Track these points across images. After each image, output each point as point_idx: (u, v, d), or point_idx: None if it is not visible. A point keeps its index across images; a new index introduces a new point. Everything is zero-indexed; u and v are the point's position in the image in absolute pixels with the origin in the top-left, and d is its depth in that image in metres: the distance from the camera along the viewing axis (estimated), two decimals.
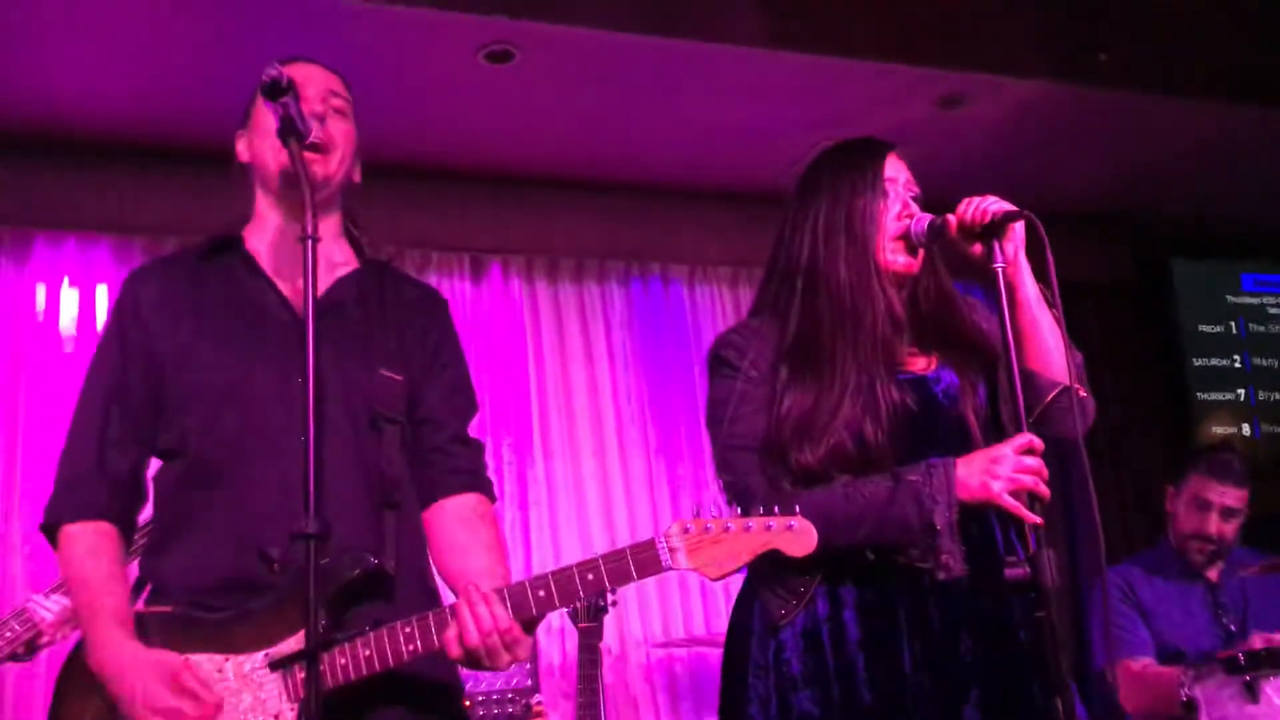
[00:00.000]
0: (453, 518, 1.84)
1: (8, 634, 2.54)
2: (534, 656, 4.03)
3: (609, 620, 3.85)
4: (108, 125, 4.07)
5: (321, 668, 1.60)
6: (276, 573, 1.66)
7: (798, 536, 1.64)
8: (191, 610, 1.73)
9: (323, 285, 1.84)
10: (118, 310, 1.88)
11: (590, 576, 1.60)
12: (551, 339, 4.93)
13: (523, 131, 4.42)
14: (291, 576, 1.65)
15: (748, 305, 5.32)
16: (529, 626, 1.64)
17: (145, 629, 1.73)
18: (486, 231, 4.81)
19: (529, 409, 4.77)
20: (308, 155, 1.70)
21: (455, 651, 1.61)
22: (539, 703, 3.91)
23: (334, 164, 1.86)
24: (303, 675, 1.63)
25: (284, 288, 1.85)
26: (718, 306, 5.25)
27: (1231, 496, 3.39)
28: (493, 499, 1.91)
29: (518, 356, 4.82)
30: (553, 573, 1.62)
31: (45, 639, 2.61)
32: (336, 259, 1.92)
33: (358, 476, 1.75)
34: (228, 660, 1.68)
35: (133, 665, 1.67)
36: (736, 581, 4.76)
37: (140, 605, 1.79)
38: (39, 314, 4.21)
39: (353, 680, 1.62)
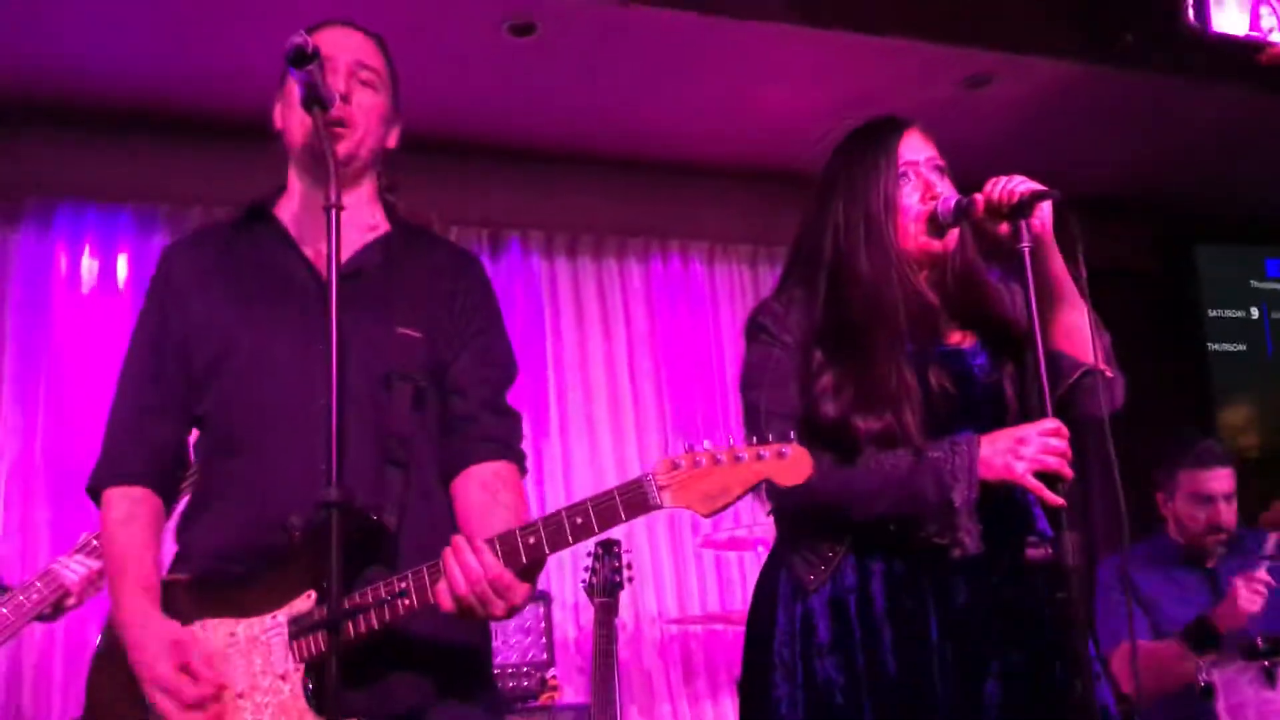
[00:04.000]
0: (476, 483, 1.83)
1: (34, 596, 2.56)
2: (549, 631, 4.05)
3: (624, 596, 3.85)
4: (131, 94, 4.07)
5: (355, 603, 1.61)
6: (297, 542, 1.66)
7: (791, 464, 1.58)
8: (208, 576, 1.75)
9: (350, 250, 1.84)
10: (154, 283, 1.92)
11: (579, 520, 1.58)
12: (569, 315, 4.93)
13: (544, 105, 4.41)
14: (302, 538, 1.66)
15: (767, 285, 5.37)
16: (526, 575, 1.62)
17: (168, 597, 1.75)
18: (506, 206, 4.81)
19: (545, 385, 4.77)
20: (331, 129, 1.70)
21: (447, 603, 1.59)
22: (554, 676, 3.93)
23: (356, 141, 1.84)
24: (309, 637, 1.65)
25: (311, 255, 1.86)
26: (737, 285, 5.24)
27: (1225, 479, 3.37)
28: (523, 470, 1.89)
29: (535, 332, 4.82)
30: (542, 519, 1.60)
31: (72, 600, 2.63)
32: (367, 224, 1.91)
33: (368, 435, 1.75)
34: (239, 624, 1.70)
35: (146, 636, 1.69)
36: (750, 558, 4.79)
37: (165, 574, 1.81)
38: (61, 282, 4.23)
39: (354, 641, 1.62)
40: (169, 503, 1.88)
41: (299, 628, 1.66)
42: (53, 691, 3.85)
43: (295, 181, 1.91)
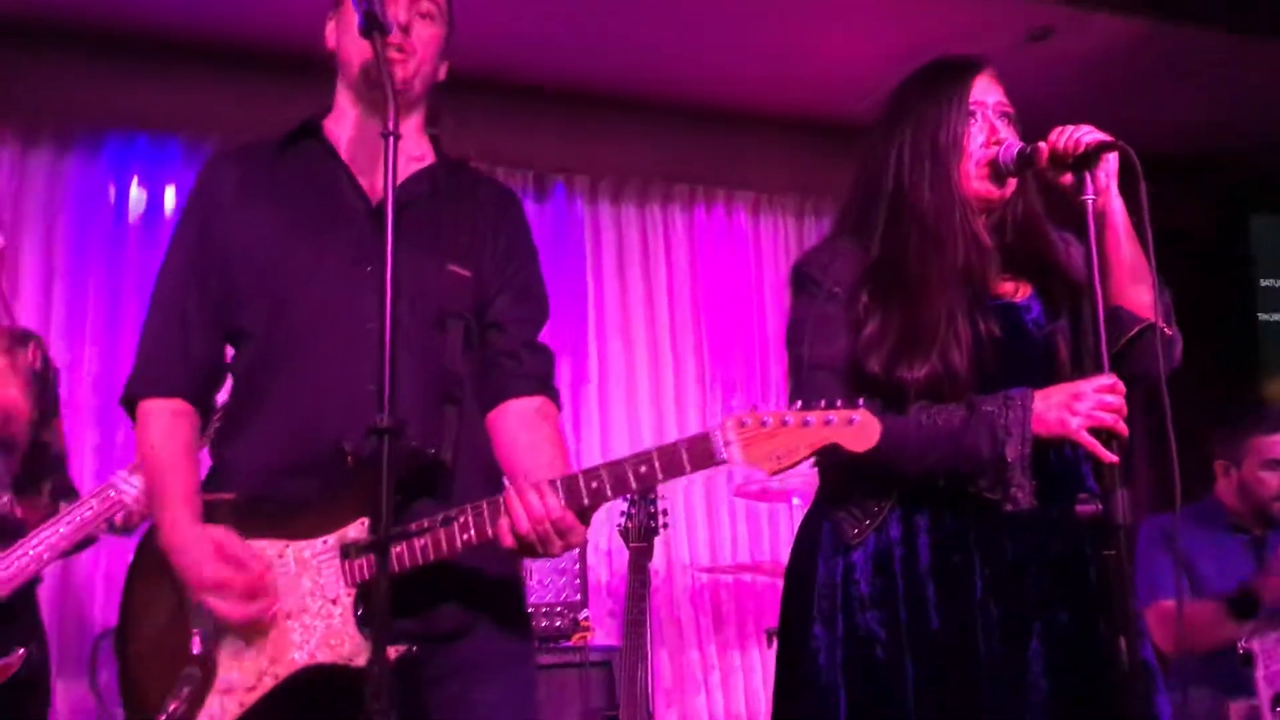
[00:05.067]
0: (516, 418, 1.83)
1: (87, 512, 2.59)
2: (583, 573, 4.08)
3: (657, 542, 3.87)
4: (181, 23, 4.07)
5: (401, 543, 1.63)
6: (351, 465, 1.67)
7: (859, 431, 1.58)
8: (253, 496, 1.75)
9: (398, 178, 1.83)
10: (195, 193, 1.90)
11: (643, 469, 1.59)
12: (611, 261, 4.92)
13: (592, 48, 4.37)
14: (355, 466, 1.67)
15: (812, 237, 5.34)
16: (583, 516, 1.63)
17: (211, 516, 1.76)
18: (552, 149, 4.79)
19: (585, 331, 4.77)
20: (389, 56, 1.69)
21: (508, 540, 1.61)
22: (586, 618, 3.97)
23: (411, 71, 1.83)
24: (360, 562, 1.66)
25: (360, 178, 1.85)
26: (781, 236, 5.20)
27: None
28: (558, 406, 1.90)
29: (577, 277, 4.81)
30: (606, 464, 1.61)
31: (137, 517, 2.65)
32: (414, 153, 1.90)
33: (420, 371, 1.75)
34: (288, 546, 1.71)
35: (188, 542, 1.71)
36: (784, 510, 4.80)
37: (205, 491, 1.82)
38: (109, 211, 4.26)
39: (409, 569, 1.64)
40: (205, 417, 1.88)
41: (351, 552, 1.67)
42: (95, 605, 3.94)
43: (346, 106, 1.90)
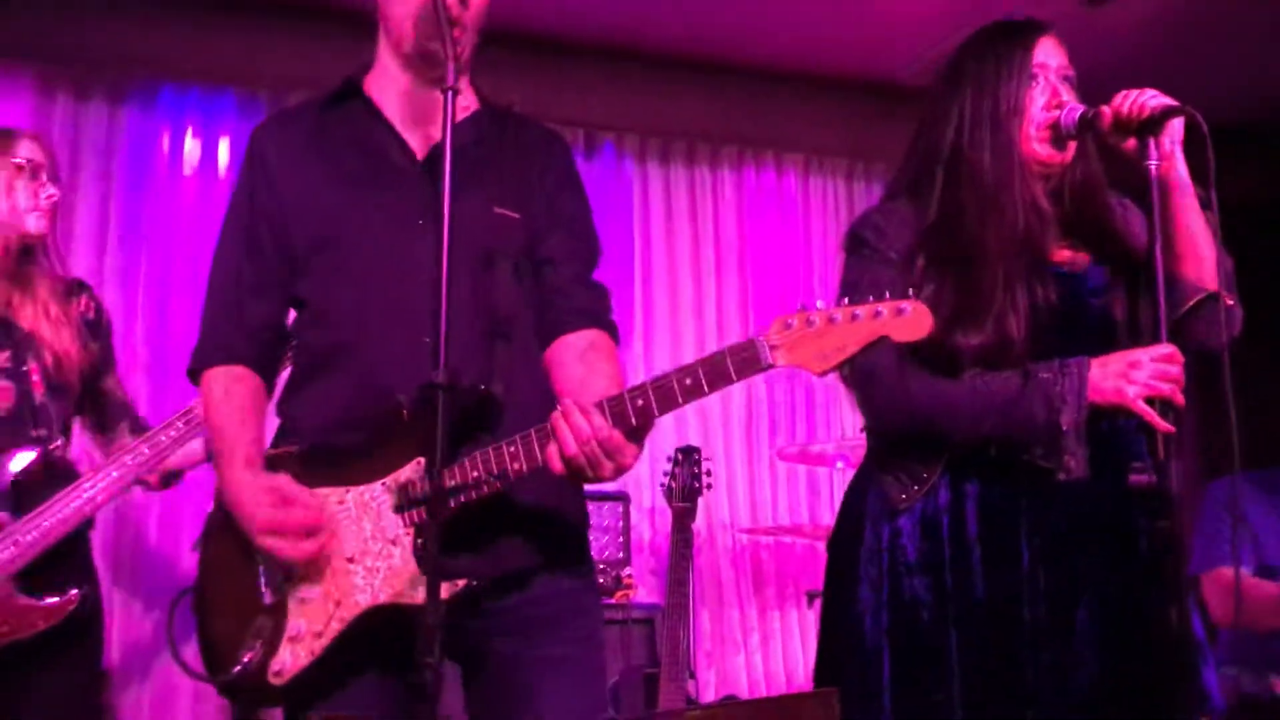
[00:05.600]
0: (572, 351, 1.83)
1: (171, 432, 2.61)
2: (626, 531, 4.10)
3: (700, 502, 3.88)
4: None
5: (454, 481, 1.64)
6: (406, 419, 1.69)
7: (910, 321, 1.52)
8: (315, 448, 1.78)
9: (442, 128, 1.84)
10: (246, 163, 1.92)
11: (688, 381, 1.56)
12: (659, 222, 4.90)
13: (644, 6, 4.32)
14: (411, 419, 1.69)
15: (863, 200, 5.28)
16: (633, 436, 1.62)
17: (274, 469, 1.79)
18: (602, 107, 4.76)
19: (632, 291, 4.76)
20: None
21: (557, 465, 1.60)
22: (629, 575, 4.00)
23: (466, 44, 1.82)
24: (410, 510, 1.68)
25: (405, 133, 1.85)
26: (830, 199, 5.15)
27: None
28: (616, 339, 1.90)
29: (624, 237, 4.80)
30: (651, 380, 1.59)
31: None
32: (459, 102, 1.89)
33: (470, 310, 1.76)
34: (348, 491, 1.73)
35: (245, 493, 1.74)
36: (824, 474, 4.78)
37: (270, 446, 1.85)
38: (164, 162, 4.30)
39: (464, 505, 1.65)
40: (269, 381, 1.91)
41: (406, 496, 1.69)
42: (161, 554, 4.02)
43: (390, 62, 1.89)
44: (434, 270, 1.50)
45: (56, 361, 2.64)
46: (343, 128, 1.88)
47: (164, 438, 2.61)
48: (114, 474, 2.58)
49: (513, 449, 1.64)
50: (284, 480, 1.73)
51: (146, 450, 2.60)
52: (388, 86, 1.88)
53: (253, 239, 1.87)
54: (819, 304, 1.56)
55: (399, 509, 1.70)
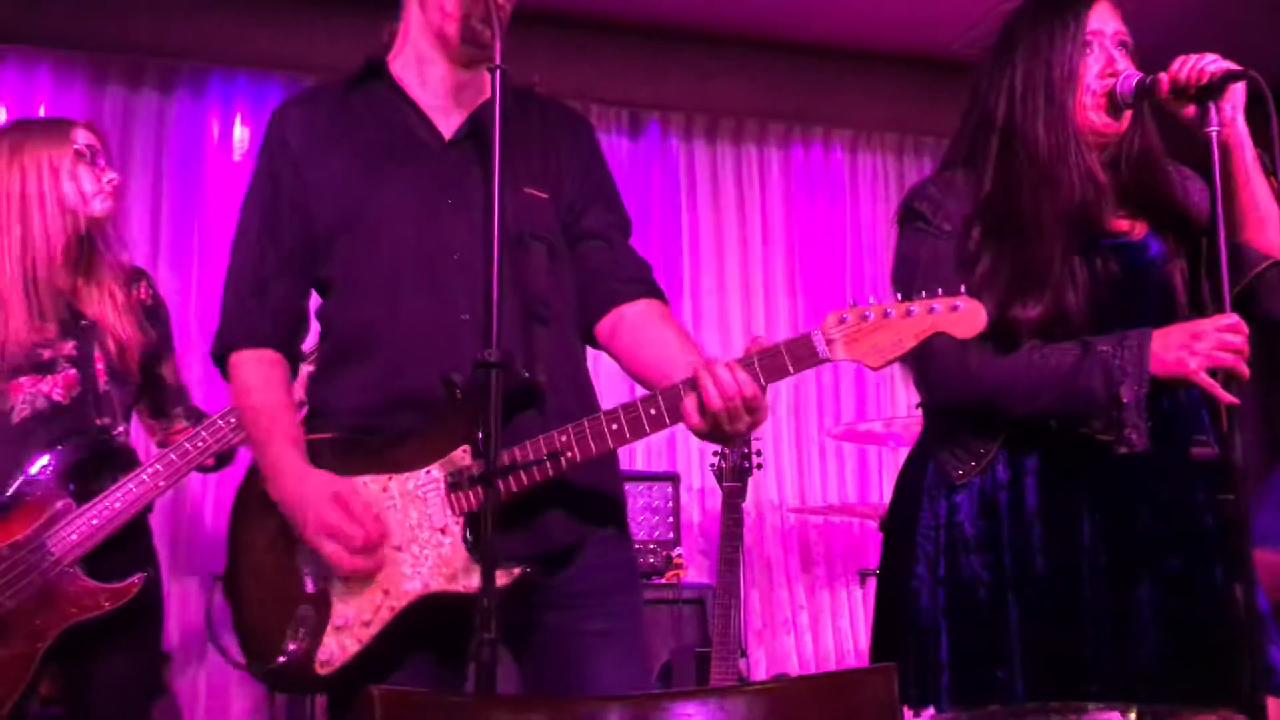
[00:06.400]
0: (635, 320, 1.83)
1: (231, 419, 2.61)
2: (676, 511, 4.10)
3: (749, 482, 3.87)
4: None
5: (518, 455, 1.65)
6: (459, 399, 1.68)
7: (964, 317, 1.55)
8: (354, 434, 1.76)
9: (465, 111, 1.83)
10: (266, 143, 1.88)
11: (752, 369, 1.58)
12: (706, 200, 4.88)
13: None
14: (464, 398, 1.68)
15: (912, 176, 5.22)
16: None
17: (315, 456, 1.77)
18: (647, 87, 4.74)
19: (680, 271, 4.75)
20: (479, 23, 1.70)
21: (694, 419, 1.59)
22: (679, 555, 4.00)
23: (499, 31, 1.78)
24: (468, 491, 1.67)
25: (430, 112, 1.84)
26: (880, 176, 5.10)
27: None
28: (667, 303, 1.89)
29: (671, 217, 4.79)
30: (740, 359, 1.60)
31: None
32: (478, 85, 1.87)
33: (508, 294, 1.71)
34: (391, 479, 1.71)
35: (304, 487, 1.71)
36: (873, 453, 4.74)
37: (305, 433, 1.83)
38: (213, 148, 4.35)
39: (516, 493, 1.65)
40: (293, 364, 1.89)
41: (457, 481, 1.68)
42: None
43: (421, 41, 1.86)
44: (464, 249, 1.50)
45: (120, 349, 2.67)
46: (367, 108, 1.85)
47: (223, 424, 2.63)
48: (174, 459, 2.61)
49: (564, 438, 1.64)
50: (351, 490, 1.69)
51: (207, 436, 2.63)
52: (414, 66, 1.86)
53: (275, 221, 1.84)
54: (871, 299, 1.58)
55: (454, 489, 1.69)
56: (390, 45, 1.90)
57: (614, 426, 1.63)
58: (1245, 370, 1.72)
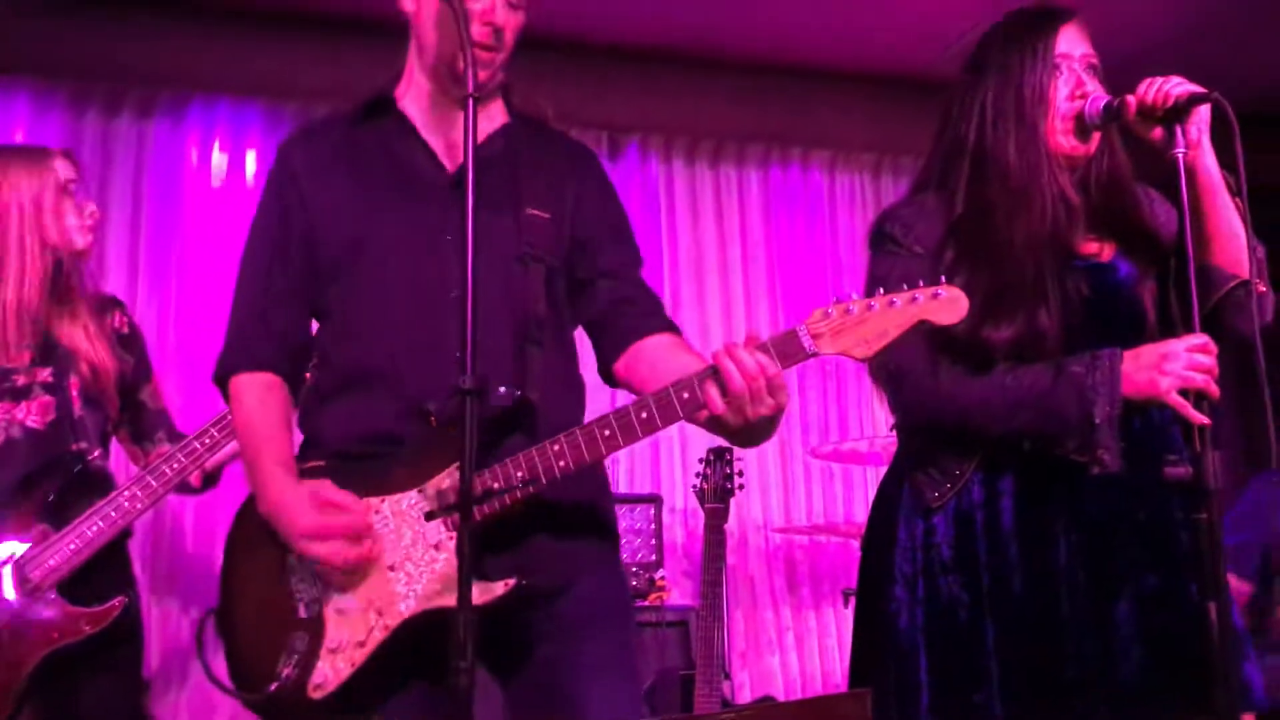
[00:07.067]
0: (652, 353, 1.83)
1: (206, 440, 2.64)
2: (659, 533, 4.10)
3: (731, 503, 3.87)
4: None
5: (491, 483, 1.65)
6: (434, 427, 1.69)
7: (946, 304, 1.56)
8: (347, 460, 1.78)
9: (464, 139, 1.84)
10: (273, 175, 1.92)
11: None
12: (686, 222, 4.90)
13: (665, 5, 4.32)
14: (439, 427, 1.69)
15: (890, 195, 5.25)
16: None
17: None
18: (625, 109, 4.76)
19: (661, 293, 4.71)
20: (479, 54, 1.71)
21: (718, 405, 1.58)
22: (662, 577, 4.00)
23: (496, 69, 1.84)
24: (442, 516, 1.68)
25: (435, 146, 1.86)
26: (858, 196, 5.13)
27: None
28: (681, 336, 1.90)
29: (651, 239, 4.80)
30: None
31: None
32: (486, 115, 1.90)
33: (504, 315, 1.77)
34: (383, 501, 1.72)
35: (285, 498, 1.73)
36: (857, 472, 4.74)
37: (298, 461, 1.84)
38: (192, 175, 4.34)
39: (506, 505, 1.65)
40: (295, 391, 1.90)
41: (442, 502, 1.69)
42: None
43: (419, 74, 1.89)
44: (462, 286, 1.50)
45: (93, 374, 2.68)
46: (373, 141, 1.88)
47: (198, 445, 2.64)
48: (151, 482, 2.61)
49: (556, 447, 1.64)
50: (325, 485, 1.71)
51: (182, 458, 2.64)
52: (419, 100, 1.89)
53: (280, 250, 1.87)
54: (854, 294, 1.59)
55: (430, 516, 1.70)
56: (399, 79, 1.92)
57: (606, 432, 1.63)
58: (1215, 390, 1.73)
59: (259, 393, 1.85)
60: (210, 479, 2.82)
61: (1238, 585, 3.13)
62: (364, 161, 1.87)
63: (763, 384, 1.57)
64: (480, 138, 1.83)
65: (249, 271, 1.91)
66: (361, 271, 1.81)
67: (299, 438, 1.89)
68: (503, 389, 1.71)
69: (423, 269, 1.78)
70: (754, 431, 1.62)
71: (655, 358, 1.82)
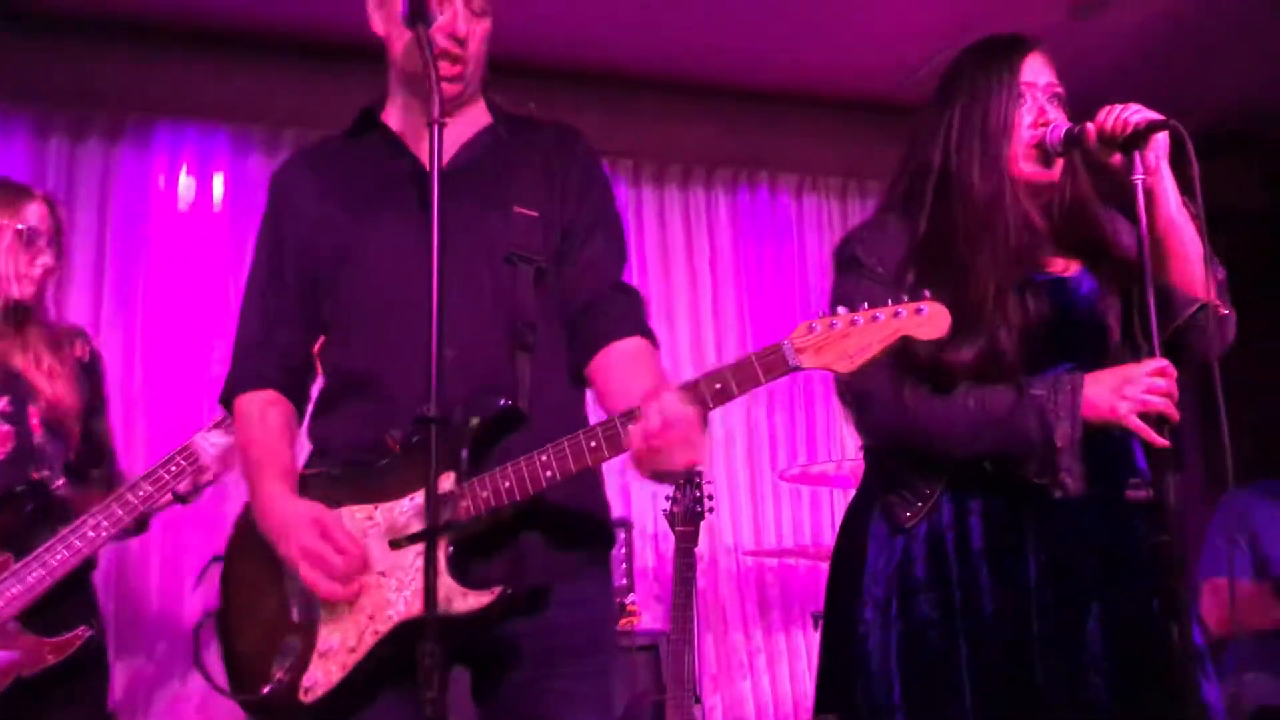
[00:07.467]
0: (619, 357, 1.84)
1: (172, 468, 2.64)
2: (629, 558, 4.09)
3: (702, 526, 3.87)
4: (230, 13, 4.10)
5: (465, 502, 1.66)
6: (397, 453, 1.69)
7: (929, 320, 1.58)
8: (346, 468, 1.81)
9: (455, 146, 1.87)
10: (270, 200, 1.97)
11: (718, 386, 1.60)
12: (655, 245, 4.91)
13: (636, 30, 4.35)
14: (402, 453, 1.71)
15: (857, 218, 5.28)
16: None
17: (305, 488, 1.82)
18: (595, 133, 4.68)
19: None
20: (443, 68, 1.73)
21: (637, 443, 1.59)
22: (633, 602, 3.98)
23: (466, 80, 1.86)
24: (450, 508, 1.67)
25: (420, 155, 1.88)
26: (825, 219, 5.16)
27: None
28: (656, 345, 1.90)
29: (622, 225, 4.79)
30: (681, 385, 1.61)
31: (207, 475, 2.70)
32: (469, 120, 1.93)
33: (494, 319, 1.78)
34: (377, 508, 1.74)
35: (288, 514, 1.75)
36: (826, 494, 4.75)
37: (302, 469, 1.87)
38: (159, 199, 4.31)
39: (495, 512, 1.66)
40: (300, 407, 1.94)
41: (401, 539, 1.69)
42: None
43: (396, 89, 1.94)
44: (453, 292, 1.54)
45: (53, 405, 2.65)
46: (360, 156, 1.92)
47: (165, 474, 2.62)
48: (116, 510, 2.58)
49: (544, 457, 1.65)
50: (331, 516, 1.73)
51: (148, 487, 2.62)
52: (400, 113, 1.93)
53: (278, 270, 1.92)
54: (840, 309, 1.61)
55: (395, 545, 1.70)
56: (386, 96, 1.96)
57: (593, 444, 1.64)
58: (1175, 413, 1.76)
59: (260, 409, 1.89)
60: (141, 524, 2.77)
61: (1249, 587, 3.13)
62: (351, 176, 1.91)
63: (680, 432, 1.57)
64: (463, 140, 1.89)
65: (250, 294, 1.96)
66: (352, 282, 1.85)
67: (309, 448, 1.92)
68: (492, 397, 1.72)
69: (413, 275, 1.78)
70: (669, 475, 1.63)
71: (616, 368, 1.82)
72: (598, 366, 1.85)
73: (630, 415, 1.61)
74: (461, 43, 1.82)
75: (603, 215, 1.93)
